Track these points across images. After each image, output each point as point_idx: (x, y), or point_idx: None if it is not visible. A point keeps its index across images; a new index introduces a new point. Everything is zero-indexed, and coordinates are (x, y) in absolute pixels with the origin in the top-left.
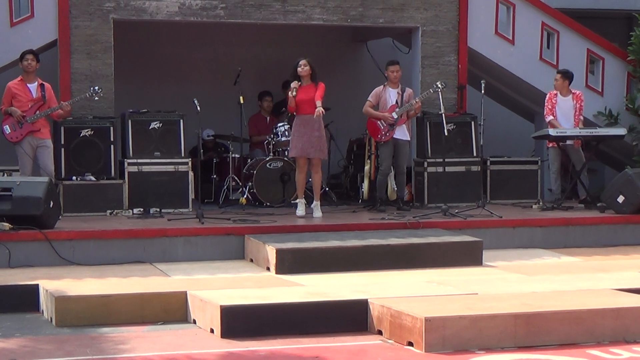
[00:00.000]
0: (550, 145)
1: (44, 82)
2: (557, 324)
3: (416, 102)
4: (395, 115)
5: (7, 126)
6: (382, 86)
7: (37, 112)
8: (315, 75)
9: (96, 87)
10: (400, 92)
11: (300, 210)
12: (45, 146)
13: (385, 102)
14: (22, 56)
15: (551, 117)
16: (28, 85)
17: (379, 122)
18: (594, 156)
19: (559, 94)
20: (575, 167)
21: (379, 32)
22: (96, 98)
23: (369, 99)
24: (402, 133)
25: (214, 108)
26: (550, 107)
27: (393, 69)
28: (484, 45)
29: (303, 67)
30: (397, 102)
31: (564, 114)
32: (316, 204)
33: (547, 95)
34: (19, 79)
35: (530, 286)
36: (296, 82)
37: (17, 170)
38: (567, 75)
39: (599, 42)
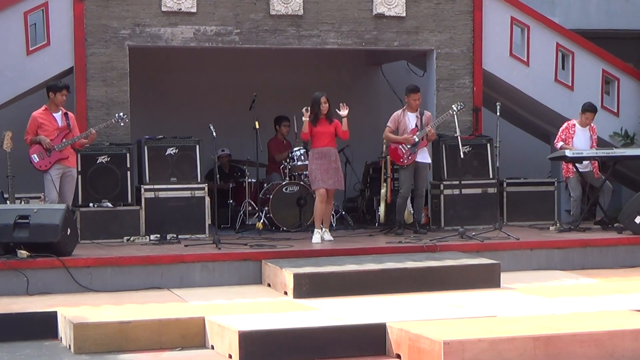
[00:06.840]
0: (570, 174)
1: (67, 112)
2: (577, 346)
3: (429, 129)
4: (416, 138)
5: (35, 155)
6: (400, 111)
7: (64, 140)
8: (330, 111)
9: (121, 114)
10: (419, 116)
11: (317, 239)
12: (71, 175)
13: (405, 127)
14: (59, 89)
15: (562, 143)
16: (54, 114)
17: (400, 146)
18: (611, 177)
19: (577, 125)
20: (592, 187)
21: (394, 56)
22: (122, 124)
23: (388, 124)
24: (423, 156)
25: (229, 133)
26: (564, 136)
27: (415, 97)
28: (499, 67)
29: (324, 105)
30: (417, 125)
31: (581, 145)
32: (326, 231)
33: (565, 125)
34: (43, 108)
35: (549, 308)
36: (306, 108)
37: (35, 198)
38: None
39: (614, 63)
